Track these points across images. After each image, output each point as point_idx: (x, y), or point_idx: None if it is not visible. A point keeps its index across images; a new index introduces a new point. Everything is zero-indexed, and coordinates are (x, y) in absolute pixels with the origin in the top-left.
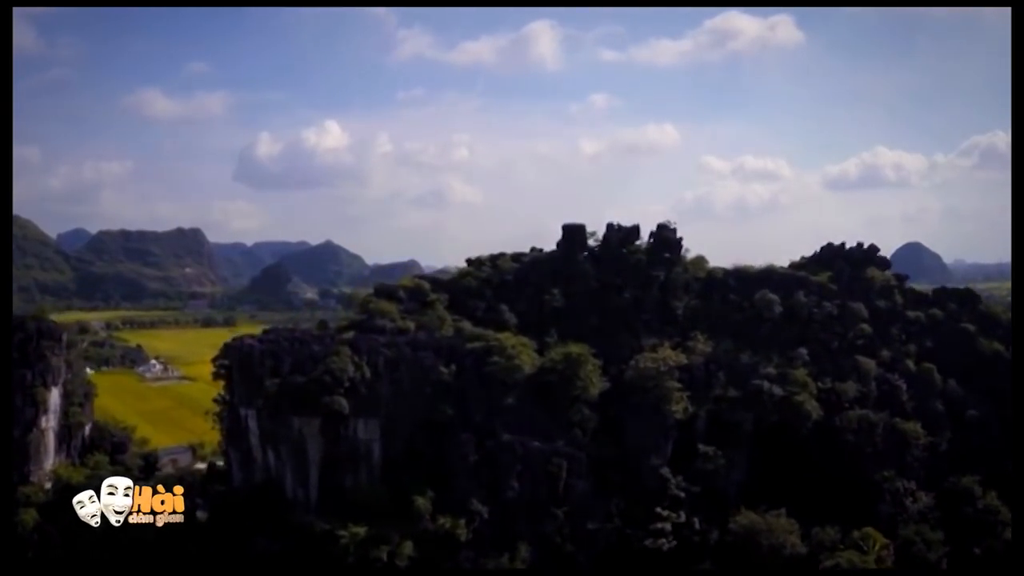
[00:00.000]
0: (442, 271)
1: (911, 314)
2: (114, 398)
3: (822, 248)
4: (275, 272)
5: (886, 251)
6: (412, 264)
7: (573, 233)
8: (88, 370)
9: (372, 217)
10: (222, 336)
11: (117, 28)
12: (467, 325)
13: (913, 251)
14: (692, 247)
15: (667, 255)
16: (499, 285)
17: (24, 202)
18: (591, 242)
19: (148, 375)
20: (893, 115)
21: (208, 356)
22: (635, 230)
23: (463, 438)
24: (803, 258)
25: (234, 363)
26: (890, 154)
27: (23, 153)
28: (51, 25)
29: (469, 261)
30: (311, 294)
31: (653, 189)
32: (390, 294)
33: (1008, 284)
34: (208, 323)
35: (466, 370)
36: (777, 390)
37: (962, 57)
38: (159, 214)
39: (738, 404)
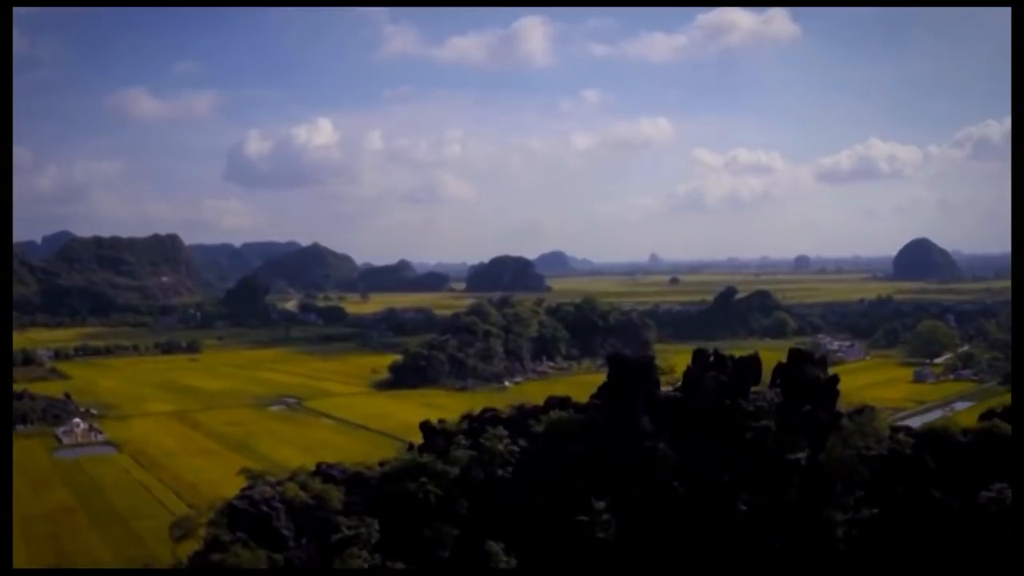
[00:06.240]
0: (432, 273)
1: None
2: None
3: None
4: (251, 283)
5: (891, 247)
6: (402, 265)
7: (631, 374)
8: None
9: (362, 215)
10: (180, 368)
11: (102, 28)
12: None
13: (921, 247)
14: (684, 241)
15: (810, 408)
16: (485, 488)
17: None
18: (665, 386)
19: (66, 439)
20: (887, 107)
21: (152, 403)
22: (752, 365)
23: None
24: None
25: None
26: (884, 146)
27: None
28: (34, 25)
29: (427, 432)
30: (292, 304)
31: (645, 183)
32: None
33: None
34: (169, 349)
35: None
36: None
37: (955, 48)
38: (148, 214)
39: None
